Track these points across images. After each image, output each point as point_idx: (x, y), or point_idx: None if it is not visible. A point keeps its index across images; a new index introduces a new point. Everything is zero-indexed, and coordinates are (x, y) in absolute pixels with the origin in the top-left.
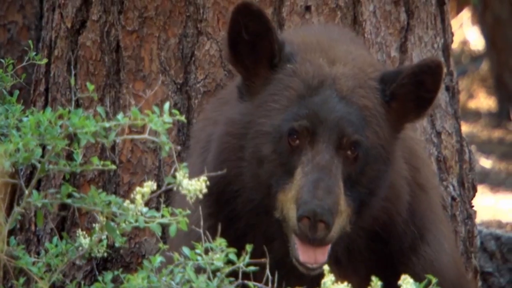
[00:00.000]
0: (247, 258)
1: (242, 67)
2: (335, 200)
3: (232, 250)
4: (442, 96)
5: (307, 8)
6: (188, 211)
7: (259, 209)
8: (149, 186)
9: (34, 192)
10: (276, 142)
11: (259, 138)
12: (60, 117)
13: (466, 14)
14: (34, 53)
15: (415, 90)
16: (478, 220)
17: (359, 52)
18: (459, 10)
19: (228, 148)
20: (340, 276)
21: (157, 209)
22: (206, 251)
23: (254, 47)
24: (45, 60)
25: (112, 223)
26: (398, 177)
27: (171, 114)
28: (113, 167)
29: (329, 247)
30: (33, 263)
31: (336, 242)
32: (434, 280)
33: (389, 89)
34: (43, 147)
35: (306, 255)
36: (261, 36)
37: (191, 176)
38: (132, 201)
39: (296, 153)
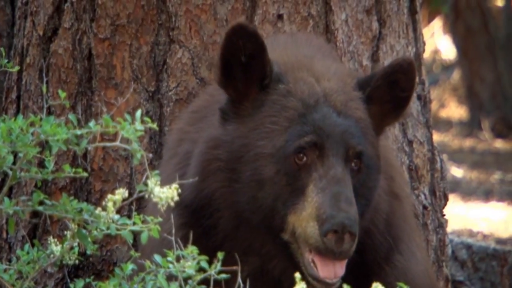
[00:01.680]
0: (218, 266)
1: (233, 89)
2: (355, 211)
3: (204, 257)
4: (413, 105)
5: (279, 17)
6: (160, 219)
7: (250, 228)
8: (121, 193)
9: (6, 199)
10: (281, 162)
11: (259, 160)
12: (32, 124)
13: (437, 23)
14: (6, 61)
15: (390, 91)
16: (449, 229)
17: (335, 65)
18: (430, 19)
19: (212, 169)
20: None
21: (129, 216)
22: (178, 259)
23: (247, 69)
24: (17, 68)
25: (84, 231)
26: (379, 187)
27: (143, 121)
28: (85, 174)
29: (346, 260)
30: (5, 270)
31: None
32: None
33: (365, 94)
34: (15, 155)
35: (326, 271)
36: (254, 57)
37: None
38: (104, 209)
39: (304, 171)
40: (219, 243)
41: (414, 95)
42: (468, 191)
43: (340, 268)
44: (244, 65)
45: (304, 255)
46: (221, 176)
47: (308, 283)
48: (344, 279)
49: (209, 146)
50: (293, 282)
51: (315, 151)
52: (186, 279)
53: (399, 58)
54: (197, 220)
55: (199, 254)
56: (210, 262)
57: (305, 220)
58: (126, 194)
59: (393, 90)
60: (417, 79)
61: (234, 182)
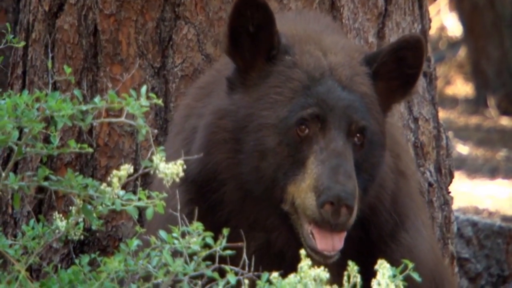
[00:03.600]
0: (224, 242)
1: (240, 58)
2: (355, 184)
3: (209, 234)
4: (419, 82)
5: None
6: (165, 194)
7: (255, 200)
8: (126, 169)
9: (11, 174)
10: (283, 133)
11: (262, 131)
12: (37, 100)
13: (443, 1)
14: (12, 36)
15: (397, 67)
16: (455, 206)
17: (343, 41)
18: None
19: (217, 139)
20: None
21: (134, 192)
22: (183, 235)
23: (255, 39)
24: (22, 43)
25: (89, 206)
26: (384, 164)
27: (148, 97)
28: (90, 150)
29: (345, 233)
30: (10, 246)
31: None
32: (410, 265)
33: (372, 70)
34: (20, 130)
35: (324, 243)
36: (262, 28)
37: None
38: (109, 184)
39: (305, 143)
40: (225, 218)
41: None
42: (474, 169)
43: (338, 242)
44: (252, 35)
45: (304, 226)
46: (226, 147)
47: (308, 255)
48: (350, 256)
49: (215, 117)
50: (295, 254)
51: (317, 123)
52: (191, 255)
53: (407, 35)
54: (203, 196)
55: (205, 230)
56: (216, 238)
57: (304, 191)
58: (132, 170)
59: (400, 66)
60: (425, 51)
61: (238, 153)
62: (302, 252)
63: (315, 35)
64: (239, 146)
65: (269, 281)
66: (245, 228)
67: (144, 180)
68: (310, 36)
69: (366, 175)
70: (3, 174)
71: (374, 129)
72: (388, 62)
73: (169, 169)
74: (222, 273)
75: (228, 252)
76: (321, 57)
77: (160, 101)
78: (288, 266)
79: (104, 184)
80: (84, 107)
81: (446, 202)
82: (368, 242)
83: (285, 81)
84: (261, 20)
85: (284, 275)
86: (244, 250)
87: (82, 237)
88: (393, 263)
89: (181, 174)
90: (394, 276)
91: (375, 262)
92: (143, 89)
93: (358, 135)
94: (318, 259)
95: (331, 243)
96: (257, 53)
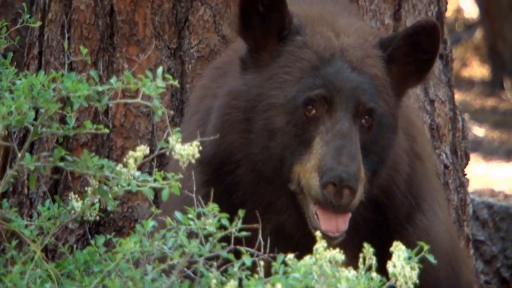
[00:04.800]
0: (239, 224)
1: (252, 39)
2: (358, 166)
3: (225, 215)
4: (436, 64)
5: None
6: (181, 176)
7: (263, 180)
8: (142, 150)
9: (27, 155)
10: (291, 113)
11: (271, 110)
12: (53, 80)
13: None
14: (28, 16)
15: (412, 52)
16: (470, 188)
17: (359, 23)
18: None
19: (231, 120)
20: (336, 245)
21: (150, 173)
22: (199, 216)
23: (266, 19)
24: (39, 23)
25: (105, 187)
26: (398, 147)
27: (164, 78)
28: (106, 131)
29: (349, 215)
30: (26, 226)
31: (353, 214)
32: (426, 247)
33: (386, 53)
34: (36, 110)
35: (327, 224)
36: (273, 8)
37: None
38: (125, 165)
39: (312, 123)
40: (240, 200)
41: None
42: (490, 151)
43: (342, 223)
44: (263, 16)
45: (309, 207)
46: (238, 128)
47: (309, 235)
48: (366, 238)
49: (229, 98)
50: (304, 236)
51: (324, 104)
52: (206, 237)
53: (422, 20)
54: (219, 178)
55: (221, 212)
56: (232, 220)
57: (308, 171)
58: (147, 151)
59: (415, 51)
60: (441, 36)
61: (249, 133)
62: (318, 234)
63: (330, 16)
64: (250, 126)
65: (284, 263)
66: (260, 210)
67: (160, 161)
68: (324, 17)
69: (376, 158)
70: (19, 155)
71: (383, 111)
72: (403, 46)
73: (185, 150)
74: (238, 255)
75: (244, 233)
76: (332, 38)
77: (176, 82)
78: (304, 248)
79: (120, 165)
80: (100, 88)
81: (462, 184)
82: (385, 224)
83: (294, 61)
84: (271, 0)
85: (299, 257)
86: (260, 232)
87: (97, 218)
88: (410, 245)
89: (197, 155)
90: (410, 258)
91: (391, 244)
92: (159, 70)
93: (366, 117)
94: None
95: (335, 224)
96: (268, 33)
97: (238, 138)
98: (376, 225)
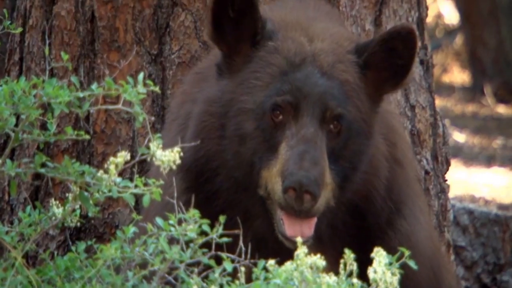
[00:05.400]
0: (220, 229)
1: (224, 44)
2: (321, 171)
3: (206, 221)
4: (416, 70)
5: None
6: (162, 182)
7: (240, 187)
8: (123, 156)
9: (8, 161)
10: (259, 118)
11: (241, 115)
12: (34, 86)
13: None
14: (9, 22)
15: (388, 57)
16: (451, 194)
17: (336, 28)
18: None
19: (208, 127)
20: (318, 251)
21: (131, 180)
22: (180, 222)
23: (238, 25)
24: (19, 29)
25: (86, 193)
26: (376, 152)
27: (145, 84)
28: (87, 137)
29: (315, 220)
30: (6, 232)
31: (321, 217)
32: (407, 253)
33: (362, 59)
34: (17, 117)
35: (292, 229)
36: (245, 13)
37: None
38: (106, 171)
39: (279, 128)
40: (220, 208)
41: (417, 60)
42: (470, 157)
43: (307, 229)
44: (234, 21)
45: (276, 211)
46: (215, 134)
47: (280, 241)
48: (348, 244)
49: (205, 105)
50: (276, 242)
51: (291, 110)
52: (188, 243)
53: (398, 25)
54: (199, 185)
55: (202, 218)
56: (213, 227)
57: (274, 176)
58: (128, 157)
59: (390, 57)
60: (418, 46)
61: (223, 139)
62: (299, 239)
63: (306, 21)
64: (223, 132)
65: (265, 269)
66: (240, 217)
67: (141, 167)
68: (299, 23)
69: (347, 163)
70: (0, 161)
71: (353, 117)
72: (379, 52)
73: (166, 156)
74: (219, 261)
75: (225, 239)
76: (305, 43)
77: (157, 88)
78: (285, 254)
79: (101, 171)
80: (81, 94)
81: (443, 190)
82: (366, 229)
83: (264, 66)
84: (241, 5)
85: (280, 263)
86: (241, 238)
87: (78, 224)
88: (391, 250)
89: (178, 161)
90: (391, 264)
91: (373, 250)
92: (140, 76)
93: (334, 122)
94: (288, 245)
95: (300, 230)
96: (241, 38)
97: (214, 145)
98: (357, 230)
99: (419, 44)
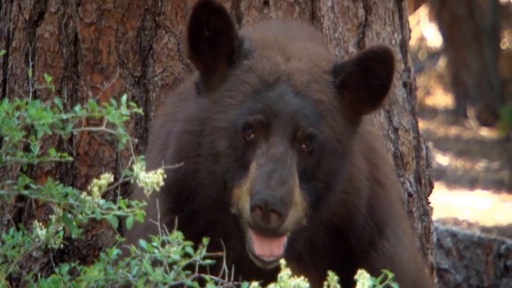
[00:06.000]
0: (203, 252)
1: (201, 63)
2: (288, 190)
3: (189, 243)
4: (399, 93)
5: (266, 3)
6: (145, 203)
7: (216, 206)
8: (106, 178)
9: None
10: (232, 137)
11: (214, 134)
12: (18, 108)
13: (423, 11)
14: None
15: (364, 77)
16: (434, 216)
17: (315, 48)
18: (416, 6)
19: (187, 146)
20: (300, 272)
21: (114, 201)
22: (163, 244)
23: (214, 44)
24: (3, 52)
25: (69, 215)
26: (356, 171)
27: (128, 106)
28: (70, 159)
29: (284, 240)
30: None
31: (296, 237)
32: (390, 275)
33: (339, 79)
34: (0, 138)
35: (261, 248)
36: (221, 33)
37: (150, 172)
38: (89, 193)
39: (251, 147)
40: (201, 228)
41: (400, 82)
42: (454, 179)
43: (277, 248)
44: (211, 40)
45: (247, 230)
46: (193, 153)
47: (251, 261)
48: (331, 265)
49: (184, 124)
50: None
51: (262, 129)
52: (171, 265)
53: (374, 45)
54: (181, 206)
55: (185, 239)
56: (195, 248)
57: (244, 195)
58: (112, 179)
59: (367, 77)
60: (396, 67)
61: (199, 157)
62: (282, 261)
63: (284, 41)
64: (199, 151)
65: None
66: (222, 237)
67: (125, 189)
68: (277, 42)
69: (320, 183)
70: None
71: (326, 137)
72: (355, 72)
73: (149, 178)
74: (202, 283)
75: (208, 261)
76: (280, 62)
77: (140, 110)
78: (268, 275)
79: (84, 193)
80: (64, 116)
81: (426, 212)
82: (348, 250)
83: (238, 85)
84: (217, 25)
85: (264, 285)
86: (224, 260)
87: (62, 246)
88: (374, 271)
89: (162, 183)
90: (374, 286)
91: (356, 271)
92: (124, 98)
93: (306, 142)
94: (257, 264)
95: (269, 249)
96: (217, 57)
97: (192, 164)
98: (339, 251)
99: (396, 64)
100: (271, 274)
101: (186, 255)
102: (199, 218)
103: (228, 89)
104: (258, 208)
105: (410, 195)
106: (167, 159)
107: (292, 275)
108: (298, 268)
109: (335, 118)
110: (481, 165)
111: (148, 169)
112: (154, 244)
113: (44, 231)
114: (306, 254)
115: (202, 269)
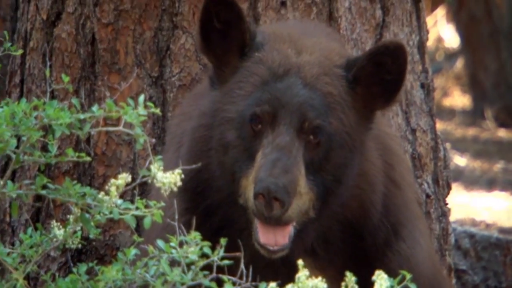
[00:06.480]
0: (221, 252)
1: (213, 56)
2: (291, 179)
3: (207, 243)
4: (417, 94)
5: (283, 4)
6: (163, 203)
7: (228, 200)
8: (124, 178)
9: (9, 183)
10: (240, 128)
11: (224, 125)
12: (35, 108)
13: (441, 12)
14: (10, 44)
15: (376, 72)
16: (452, 218)
17: (328, 43)
18: (434, 7)
19: (200, 140)
20: (316, 268)
21: (132, 201)
22: (181, 244)
23: (226, 36)
24: (20, 51)
25: (87, 215)
26: (371, 168)
27: (146, 106)
28: (88, 159)
29: (290, 229)
30: (8, 254)
31: (305, 229)
32: (408, 276)
33: (351, 74)
34: (18, 138)
35: (265, 237)
36: (232, 25)
37: (167, 171)
38: (107, 193)
39: (258, 137)
40: (218, 225)
41: (417, 83)
42: (471, 180)
43: (281, 237)
44: (222, 32)
45: (254, 220)
46: (205, 146)
47: (257, 250)
48: (347, 264)
49: (199, 118)
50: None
51: (269, 119)
52: (189, 265)
53: (387, 40)
54: (197, 203)
55: (202, 238)
56: (213, 246)
57: (249, 184)
58: (129, 179)
59: (379, 72)
60: (418, 68)
61: (211, 151)
62: (300, 262)
63: (297, 36)
64: (211, 144)
65: None
66: (238, 234)
67: (142, 189)
68: (290, 36)
69: (329, 176)
70: (1, 182)
71: (335, 129)
72: (367, 67)
73: (167, 178)
74: (220, 283)
75: (226, 262)
76: (291, 55)
77: (157, 110)
78: (285, 274)
79: (102, 193)
80: (82, 116)
81: (444, 213)
82: (364, 250)
83: (248, 76)
84: (228, 18)
85: (282, 285)
86: (242, 260)
87: (79, 245)
88: (390, 272)
89: (179, 183)
90: (392, 287)
91: (372, 271)
92: (141, 98)
93: (313, 133)
94: (263, 253)
95: (273, 238)
96: (229, 50)
97: (204, 157)
98: (355, 250)
99: (409, 59)
100: (287, 273)
101: (204, 255)
102: (214, 215)
103: (238, 81)
104: (261, 196)
105: (428, 196)
106: (182, 155)
107: (310, 275)
108: (314, 265)
109: (345, 112)
110: (499, 166)
111: (165, 168)
112: (172, 244)
113: (62, 231)
114: (321, 250)
115: (220, 268)
